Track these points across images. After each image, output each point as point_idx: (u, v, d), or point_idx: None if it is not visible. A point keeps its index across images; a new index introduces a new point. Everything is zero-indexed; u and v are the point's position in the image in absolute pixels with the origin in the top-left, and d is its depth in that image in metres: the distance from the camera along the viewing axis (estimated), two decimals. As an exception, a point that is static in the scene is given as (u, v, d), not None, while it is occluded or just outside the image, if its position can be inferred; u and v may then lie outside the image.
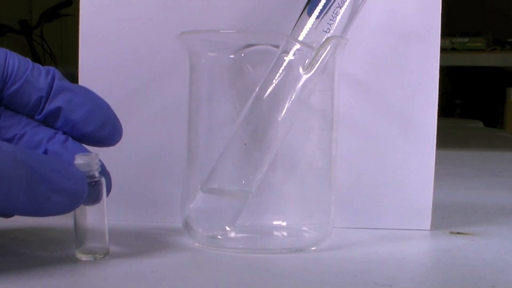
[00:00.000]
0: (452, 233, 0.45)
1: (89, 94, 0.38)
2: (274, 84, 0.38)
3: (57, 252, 0.37)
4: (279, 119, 0.38)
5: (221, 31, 0.41)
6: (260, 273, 0.35)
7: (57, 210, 0.33)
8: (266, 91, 0.38)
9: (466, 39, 2.72)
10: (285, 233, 0.41)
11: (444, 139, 0.50)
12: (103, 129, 0.37)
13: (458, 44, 2.70)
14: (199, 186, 0.39)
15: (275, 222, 0.41)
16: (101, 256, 0.36)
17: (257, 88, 0.38)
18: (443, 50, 0.45)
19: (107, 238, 0.36)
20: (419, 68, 0.44)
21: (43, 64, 0.38)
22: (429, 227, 0.45)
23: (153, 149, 0.45)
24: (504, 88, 2.71)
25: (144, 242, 0.40)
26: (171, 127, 0.44)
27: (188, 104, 0.41)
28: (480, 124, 1.97)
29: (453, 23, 2.47)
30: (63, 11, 2.40)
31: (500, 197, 0.62)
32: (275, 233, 0.41)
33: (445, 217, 0.49)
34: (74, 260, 0.35)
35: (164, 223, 0.45)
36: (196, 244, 0.40)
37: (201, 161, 0.40)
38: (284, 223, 0.41)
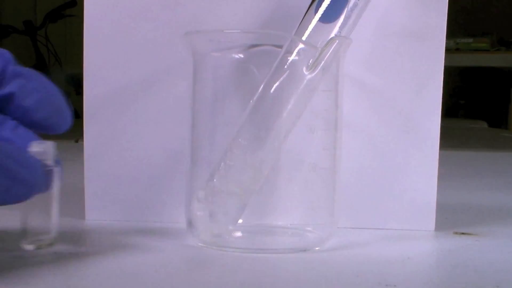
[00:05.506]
0: (456, 233, 0.44)
1: (42, 81, 0.36)
2: (277, 84, 0.38)
3: (60, 250, 0.37)
4: (283, 118, 0.38)
5: (225, 31, 0.41)
6: (264, 273, 0.35)
7: (13, 199, 0.32)
8: (270, 91, 0.38)
9: (471, 40, 2.71)
10: (289, 233, 0.41)
11: (448, 140, 0.50)
12: (52, 116, 0.36)
13: (463, 45, 2.69)
14: (202, 186, 0.39)
15: (279, 222, 0.41)
16: (46, 246, 0.36)
17: (261, 88, 0.38)
18: (447, 50, 0.45)
19: (54, 228, 0.36)
20: (423, 68, 0.44)
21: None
22: (433, 228, 0.45)
23: (157, 148, 0.45)
24: (509, 88, 2.71)
25: (148, 242, 0.40)
26: (175, 127, 0.44)
27: (191, 104, 0.41)
28: (484, 125, 1.96)
29: (458, 24, 2.47)
30: (68, 12, 2.40)
31: (504, 197, 0.62)
32: (279, 233, 0.41)
33: (449, 217, 0.49)
34: (76, 259, 0.35)
35: (168, 222, 0.45)
36: (199, 244, 0.40)
37: (205, 161, 0.40)
38: (288, 223, 0.41)
